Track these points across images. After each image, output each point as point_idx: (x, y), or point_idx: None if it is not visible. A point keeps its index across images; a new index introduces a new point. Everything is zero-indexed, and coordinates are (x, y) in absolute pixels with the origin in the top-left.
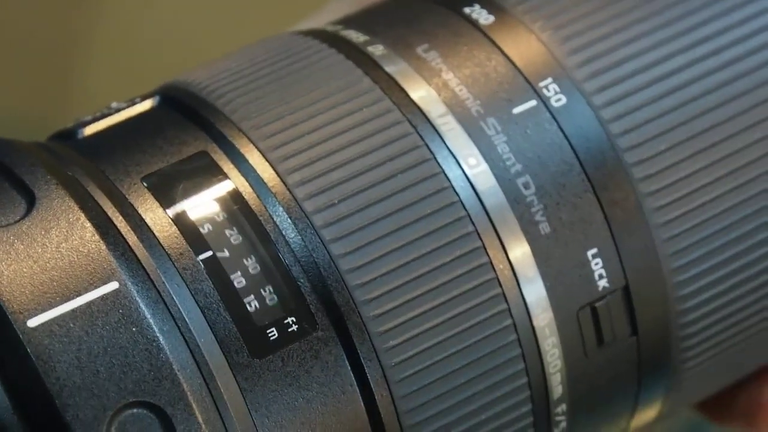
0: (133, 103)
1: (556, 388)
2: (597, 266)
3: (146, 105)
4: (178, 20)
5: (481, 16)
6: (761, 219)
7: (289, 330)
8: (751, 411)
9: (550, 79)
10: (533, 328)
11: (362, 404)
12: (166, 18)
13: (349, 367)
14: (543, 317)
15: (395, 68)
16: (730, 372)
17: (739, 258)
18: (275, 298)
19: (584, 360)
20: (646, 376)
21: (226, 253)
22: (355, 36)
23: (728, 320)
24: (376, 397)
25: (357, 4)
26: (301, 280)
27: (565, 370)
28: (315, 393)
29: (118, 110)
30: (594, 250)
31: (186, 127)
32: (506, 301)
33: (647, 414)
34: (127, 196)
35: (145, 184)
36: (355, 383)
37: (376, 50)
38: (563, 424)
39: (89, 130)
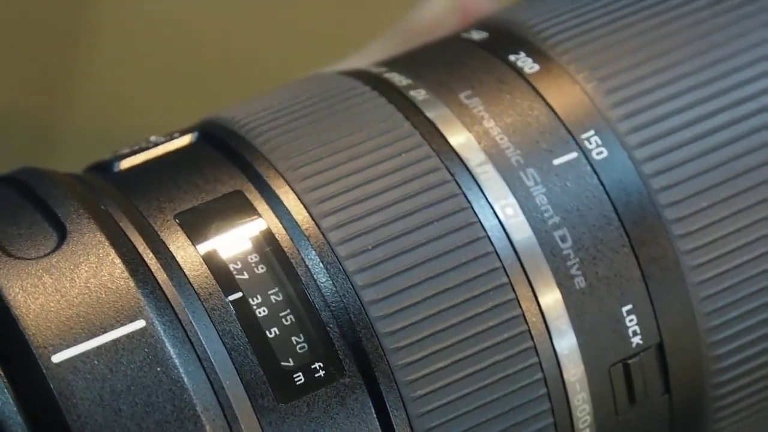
0: (172, 138)
1: None
2: (631, 323)
3: (184, 140)
4: (183, 13)
5: (526, 64)
6: None
7: (316, 375)
8: None
9: (592, 131)
10: (564, 382)
11: None
12: (169, 10)
13: (375, 415)
14: (574, 372)
15: (436, 114)
16: None
17: None
18: (304, 343)
19: (615, 417)
20: None
21: (257, 296)
22: (398, 79)
23: (764, 381)
24: None
25: (402, 43)
26: (331, 326)
27: (595, 426)
28: None
29: (156, 144)
30: (629, 307)
31: (222, 165)
32: (537, 354)
33: None
34: (159, 232)
35: (178, 222)
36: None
37: (419, 95)
38: None
39: (126, 164)
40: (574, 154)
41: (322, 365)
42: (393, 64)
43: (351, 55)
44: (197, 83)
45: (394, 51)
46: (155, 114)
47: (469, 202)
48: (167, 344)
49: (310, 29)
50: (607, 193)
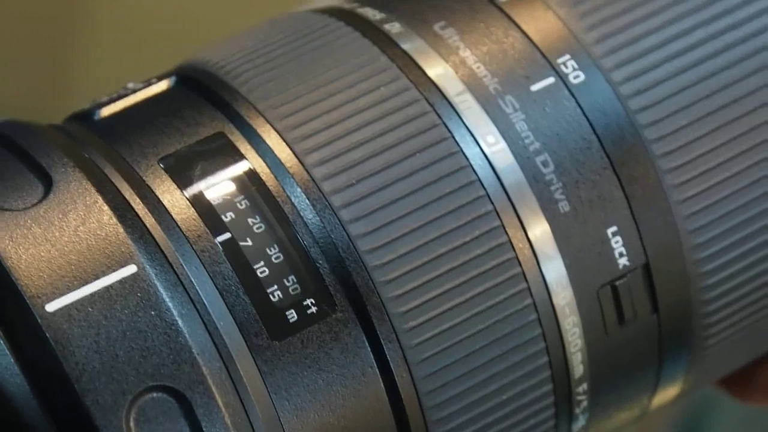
0: (149, 84)
1: (577, 367)
2: (617, 244)
3: (162, 85)
4: (181, 6)
5: None
6: None
7: (309, 312)
8: None
9: (568, 56)
10: (553, 307)
11: (382, 386)
12: (167, 4)
13: (369, 349)
14: (563, 296)
15: (412, 46)
16: (753, 349)
17: (761, 234)
18: (294, 279)
19: (605, 338)
20: (667, 353)
21: (244, 235)
22: (372, 13)
23: (750, 297)
24: (396, 379)
25: None
26: (320, 262)
27: (585, 349)
28: (335, 375)
29: (134, 91)
30: (614, 228)
31: (203, 108)
32: (526, 280)
33: (669, 392)
34: (144, 178)
35: (162, 166)
36: (375, 365)
37: (393, 28)
38: (584, 404)
39: (106, 112)
40: (551, 79)
41: (313, 301)
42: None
43: None
44: None
45: None
46: None
47: (450, 131)
48: (159, 288)
49: None
50: (586, 117)
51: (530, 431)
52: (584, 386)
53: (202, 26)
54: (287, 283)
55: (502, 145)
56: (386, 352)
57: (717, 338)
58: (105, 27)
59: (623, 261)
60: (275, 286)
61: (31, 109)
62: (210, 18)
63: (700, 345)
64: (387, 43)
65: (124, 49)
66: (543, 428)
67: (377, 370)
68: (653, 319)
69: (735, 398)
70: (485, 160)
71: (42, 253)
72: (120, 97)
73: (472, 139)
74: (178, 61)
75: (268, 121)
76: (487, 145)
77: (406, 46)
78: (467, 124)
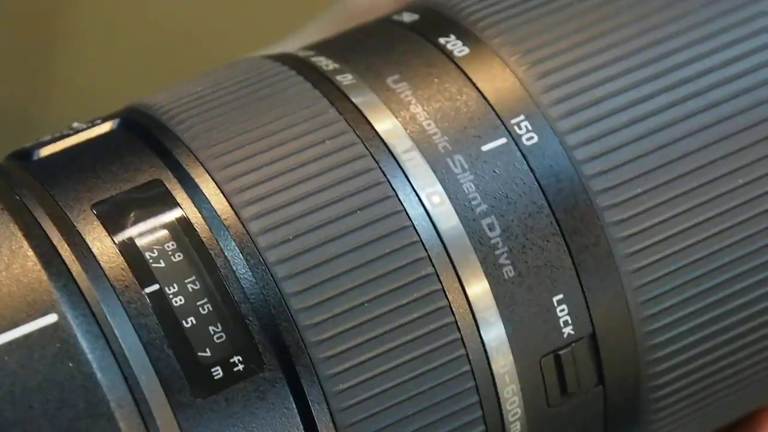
0: (94, 125)
1: None
2: (562, 313)
3: (106, 127)
4: (165, 1)
5: (456, 47)
6: (737, 269)
7: (235, 369)
8: None
9: (522, 116)
10: (492, 374)
11: None
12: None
13: (297, 410)
14: (503, 364)
15: (363, 99)
16: (705, 424)
17: (713, 308)
18: (223, 335)
19: (546, 409)
20: (612, 427)
21: (174, 288)
22: (325, 63)
23: (701, 371)
24: None
25: (336, 26)
26: (250, 318)
27: (525, 419)
28: None
29: (77, 131)
30: (560, 296)
31: (143, 153)
32: (464, 346)
33: None
34: (75, 223)
35: (95, 212)
36: (301, 426)
37: (345, 79)
38: None
39: (45, 152)
40: (503, 140)
41: (241, 359)
42: (321, 47)
43: (285, 38)
44: (179, 71)
45: (327, 34)
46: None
47: (394, 190)
48: (80, 339)
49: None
50: (537, 180)
51: None
52: None
53: (188, 23)
54: (215, 340)
55: (448, 205)
56: (314, 414)
57: (666, 412)
58: (88, 23)
59: (568, 330)
60: (202, 342)
61: (10, 106)
62: (195, 14)
63: (647, 420)
64: (337, 96)
65: (107, 46)
66: None
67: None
68: (598, 391)
69: None
70: (428, 221)
71: None
72: (62, 136)
73: (416, 198)
74: (162, 58)
75: (207, 171)
76: (432, 205)
77: (356, 99)
78: (413, 183)
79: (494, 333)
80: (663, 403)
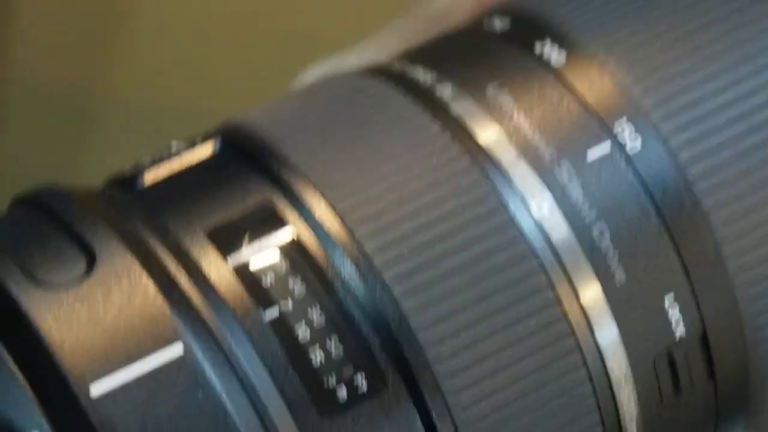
0: (193, 145)
1: None
2: (674, 314)
3: (207, 150)
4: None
5: (553, 54)
6: None
7: (359, 389)
8: None
9: (625, 121)
10: (609, 379)
11: None
12: None
13: (422, 426)
14: (619, 368)
15: (465, 110)
16: None
17: None
18: (344, 356)
19: (660, 407)
20: (723, 418)
21: (293, 310)
22: (422, 76)
23: None
24: None
25: (417, 31)
26: (371, 337)
27: (641, 419)
28: None
29: (178, 153)
30: (671, 297)
31: (250, 176)
32: (581, 352)
33: None
34: (190, 251)
35: (208, 239)
36: None
37: (445, 90)
38: None
39: (149, 178)
40: (607, 147)
41: (364, 378)
42: (414, 58)
43: (364, 42)
44: (242, 54)
45: (409, 39)
46: (196, 84)
47: (504, 202)
48: (207, 369)
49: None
50: (643, 185)
51: None
52: None
53: (251, 4)
54: (337, 360)
55: (558, 215)
56: (438, 429)
57: None
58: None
59: (680, 330)
60: (325, 363)
61: (72, 87)
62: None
63: (757, 410)
64: (439, 109)
65: (170, 27)
66: None
67: None
68: (710, 386)
69: None
70: (540, 232)
71: (86, 334)
72: (163, 158)
73: (526, 209)
74: (224, 40)
75: (318, 191)
76: (542, 216)
77: (458, 110)
78: (522, 194)
79: (609, 338)
80: None
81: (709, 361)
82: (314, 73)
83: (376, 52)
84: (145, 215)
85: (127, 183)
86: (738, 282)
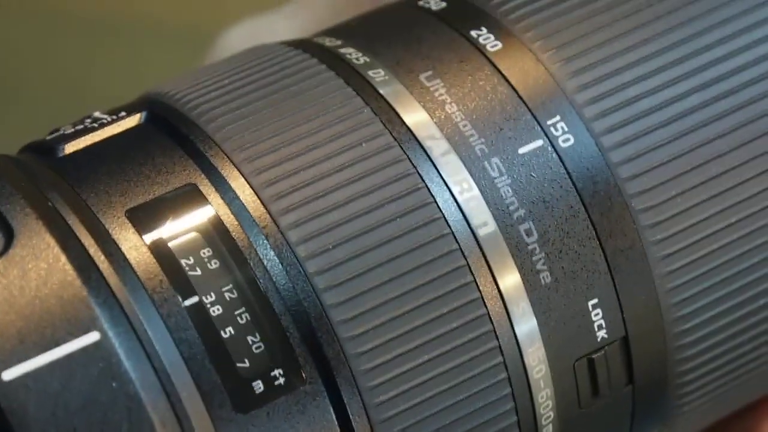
0: (118, 117)
1: None
2: (597, 317)
3: (131, 122)
4: None
5: (489, 41)
6: (765, 269)
7: (276, 383)
8: None
9: (558, 117)
10: (528, 381)
11: None
12: None
13: (337, 423)
14: (538, 369)
15: (396, 97)
16: (723, 410)
17: (741, 308)
18: (263, 348)
19: (578, 410)
20: (639, 420)
21: (213, 299)
22: (355, 57)
23: (726, 368)
24: None
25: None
26: (291, 330)
27: (557, 422)
28: None
29: (102, 124)
30: (595, 301)
31: (174, 154)
32: (502, 354)
33: None
34: (110, 231)
35: (129, 218)
36: None
37: (377, 75)
38: None
39: (70, 148)
40: (539, 142)
41: (281, 372)
42: (346, 36)
43: (293, 4)
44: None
45: (339, 3)
46: None
47: (432, 195)
48: (123, 358)
49: None
50: (573, 183)
51: None
52: None
53: None
54: (255, 353)
55: (486, 211)
56: (354, 427)
57: (690, 405)
58: None
59: (602, 333)
60: (242, 356)
61: (191, 26)
62: None
63: (673, 412)
64: (370, 93)
65: None
66: None
67: None
68: (628, 391)
69: None
70: (467, 227)
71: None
72: (86, 130)
73: (455, 203)
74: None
75: (242, 175)
76: (470, 211)
77: (390, 97)
78: (450, 188)
79: (531, 339)
80: (687, 398)
81: (629, 364)
82: (238, 33)
83: (305, 16)
84: (65, 189)
85: (45, 150)
86: (662, 287)
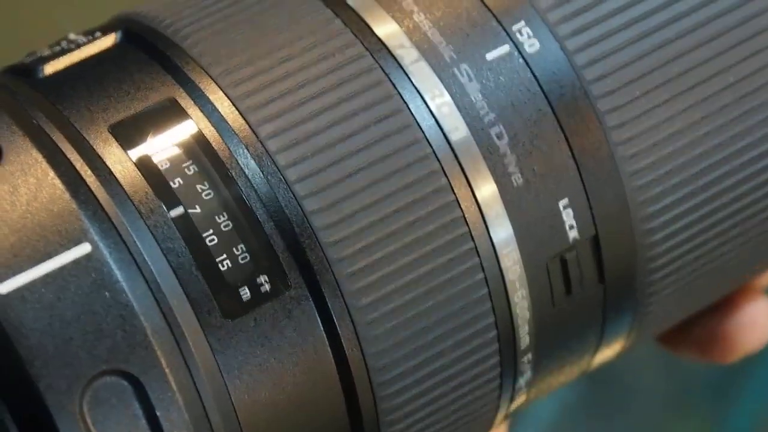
0: (94, 37)
1: (524, 338)
2: (568, 216)
3: (108, 41)
4: None
5: None
6: (731, 163)
7: (262, 289)
8: (706, 341)
9: (523, 23)
10: (504, 281)
11: (333, 363)
12: None
13: (322, 326)
14: (514, 270)
15: (365, 8)
16: (690, 306)
17: (707, 204)
18: (247, 256)
19: (551, 309)
20: (610, 317)
21: (198, 210)
22: None
23: (693, 263)
24: (347, 356)
25: None
26: (274, 238)
27: (532, 321)
28: (287, 353)
29: (78, 45)
30: (565, 201)
31: (153, 70)
32: (479, 255)
33: (610, 350)
34: (94, 146)
35: (112, 133)
36: (326, 342)
37: None
38: (528, 373)
39: (50, 69)
40: (506, 48)
41: (267, 279)
42: None
43: None
44: None
45: None
46: None
47: (404, 101)
48: (114, 268)
49: None
50: (540, 87)
51: (475, 402)
52: (529, 356)
53: None
54: (240, 261)
55: (457, 116)
56: (338, 330)
57: (659, 301)
58: None
59: (573, 233)
60: (228, 263)
61: None
62: None
63: (642, 308)
64: (340, 5)
65: None
66: (488, 398)
67: (328, 347)
68: (599, 289)
69: (670, 351)
70: (440, 132)
71: None
72: (63, 51)
73: (427, 109)
74: None
75: (220, 88)
76: (442, 116)
77: (359, 8)
78: (422, 95)
79: (505, 241)
80: (657, 295)
81: (599, 263)
82: None
83: None
84: (48, 108)
85: (25, 72)
86: (630, 185)
